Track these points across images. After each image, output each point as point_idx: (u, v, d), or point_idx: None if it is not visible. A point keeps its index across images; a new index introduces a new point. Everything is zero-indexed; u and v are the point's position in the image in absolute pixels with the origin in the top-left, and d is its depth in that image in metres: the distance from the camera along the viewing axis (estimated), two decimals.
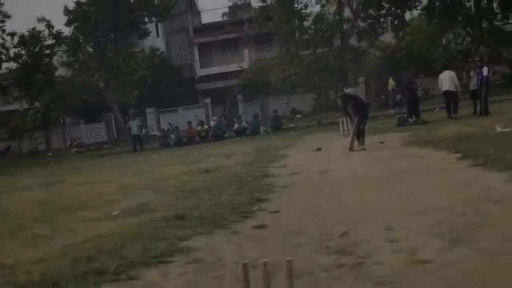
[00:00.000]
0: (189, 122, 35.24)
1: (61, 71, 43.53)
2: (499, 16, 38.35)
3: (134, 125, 33.91)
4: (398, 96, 36.52)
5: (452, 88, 22.06)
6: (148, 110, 45.56)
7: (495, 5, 38.23)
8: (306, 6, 40.00)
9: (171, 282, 5.38)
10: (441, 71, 23.75)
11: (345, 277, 4.91)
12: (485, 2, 37.76)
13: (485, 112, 21.07)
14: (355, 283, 4.73)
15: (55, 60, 42.16)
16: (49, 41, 40.53)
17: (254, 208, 8.41)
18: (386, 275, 4.80)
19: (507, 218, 6.13)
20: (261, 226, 7.23)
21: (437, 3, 36.83)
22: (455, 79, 22.30)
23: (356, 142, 15.61)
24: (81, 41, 40.97)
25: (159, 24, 50.39)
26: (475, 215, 6.45)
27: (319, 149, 16.97)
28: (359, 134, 15.69)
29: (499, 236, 5.54)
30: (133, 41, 42.43)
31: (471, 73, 23.52)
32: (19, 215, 10.49)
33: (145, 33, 42.03)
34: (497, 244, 5.31)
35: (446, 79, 22.26)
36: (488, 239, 5.48)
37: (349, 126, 17.18)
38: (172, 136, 34.61)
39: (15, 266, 6.46)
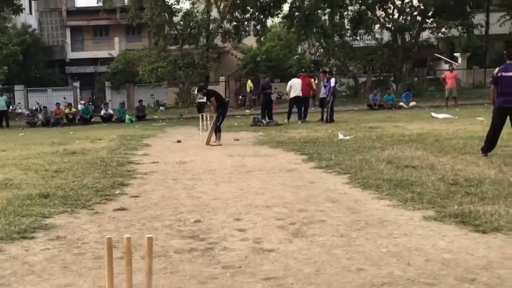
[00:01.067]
0: (57, 104, 34.03)
1: None
2: (349, 32, 40.04)
3: (1, 100, 32.35)
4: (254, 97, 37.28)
5: (301, 94, 22.95)
6: (16, 87, 43.06)
7: (346, 21, 39.88)
8: (178, 1, 39.86)
9: (34, 257, 5.32)
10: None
11: (196, 260, 5.08)
12: (337, 17, 39.30)
13: (330, 120, 21.91)
14: (205, 265, 4.92)
15: None
16: None
17: (116, 192, 8.44)
18: (232, 260, 5.03)
19: (341, 216, 6.52)
20: (122, 209, 7.29)
21: (296, 14, 38.00)
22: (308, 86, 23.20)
23: (213, 138, 15.87)
24: None
25: (33, 2, 47.99)
26: (315, 212, 6.81)
27: (179, 141, 17.09)
28: (217, 130, 15.94)
29: (334, 231, 5.90)
30: (5, 15, 40.12)
31: (322, 82, 24.42)
32: None
33: (19, 9, 39.65)
34: (331, 238, 5.65)
35: (296, 86, 23.12)
36: (324, 234, 5.82)
37: (208, 122, 17.39)
38: (40, 115, 33.36)
39: None
